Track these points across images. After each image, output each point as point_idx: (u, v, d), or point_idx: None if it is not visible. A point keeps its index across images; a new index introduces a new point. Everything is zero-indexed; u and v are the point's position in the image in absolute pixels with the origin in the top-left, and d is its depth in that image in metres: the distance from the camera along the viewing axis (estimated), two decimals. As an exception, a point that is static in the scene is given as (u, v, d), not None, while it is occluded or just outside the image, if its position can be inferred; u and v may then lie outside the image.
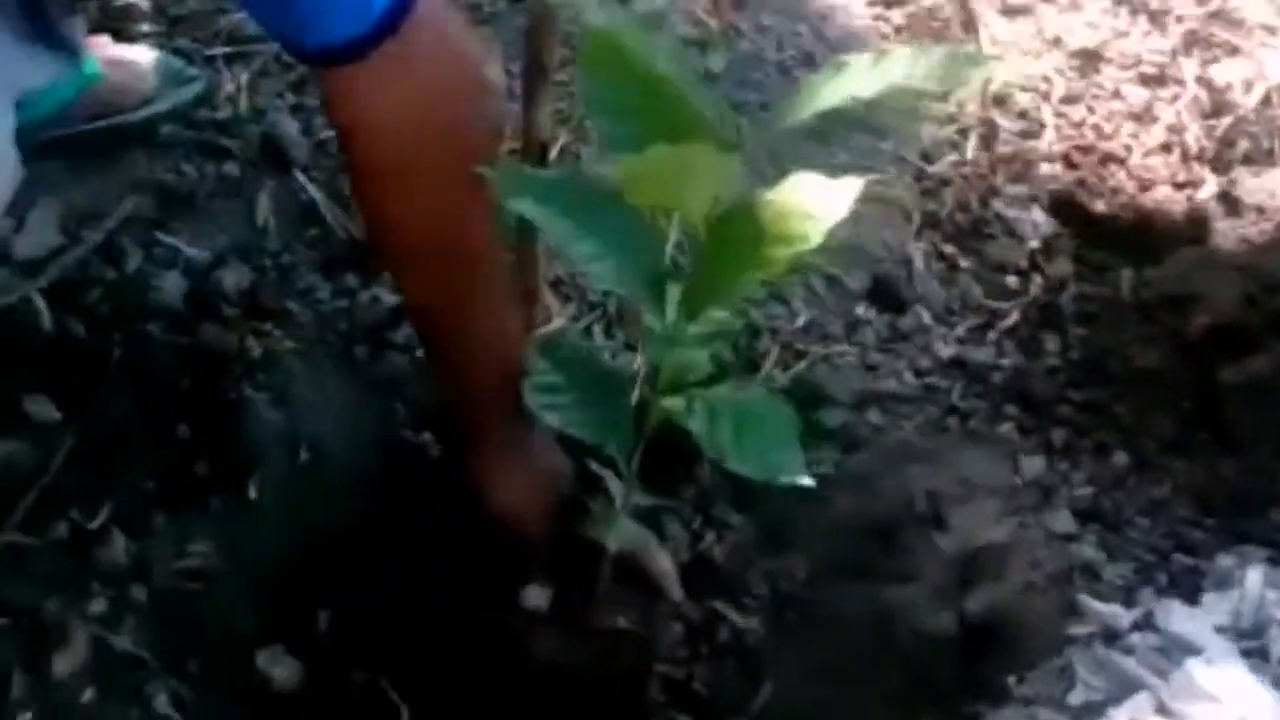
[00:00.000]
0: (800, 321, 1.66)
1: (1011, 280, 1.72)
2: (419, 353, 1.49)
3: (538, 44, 1.24)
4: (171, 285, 1.47)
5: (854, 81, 1.22)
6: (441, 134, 1.15)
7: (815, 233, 1.12)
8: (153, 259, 1.50)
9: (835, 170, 1.72)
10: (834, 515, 1.52)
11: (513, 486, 1.35)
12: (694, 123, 1.16)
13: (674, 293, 1.20)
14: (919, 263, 1.72)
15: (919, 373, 1.63)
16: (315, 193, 1.61)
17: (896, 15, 2.00)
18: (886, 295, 1.69)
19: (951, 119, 1.86)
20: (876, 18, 1.99)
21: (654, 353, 1.24)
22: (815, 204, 1.14)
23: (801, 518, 1.51)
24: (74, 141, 1.52)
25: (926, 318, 1.68)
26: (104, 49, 1.58)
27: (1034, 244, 1.75)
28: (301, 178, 1.62)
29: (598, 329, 1.60)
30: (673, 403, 1.22)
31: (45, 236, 1.48)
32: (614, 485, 1.33)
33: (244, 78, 1.68)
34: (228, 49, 1.71)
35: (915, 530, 1.49)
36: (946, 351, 1.65)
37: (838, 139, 1.75)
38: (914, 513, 1.50)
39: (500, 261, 1.31)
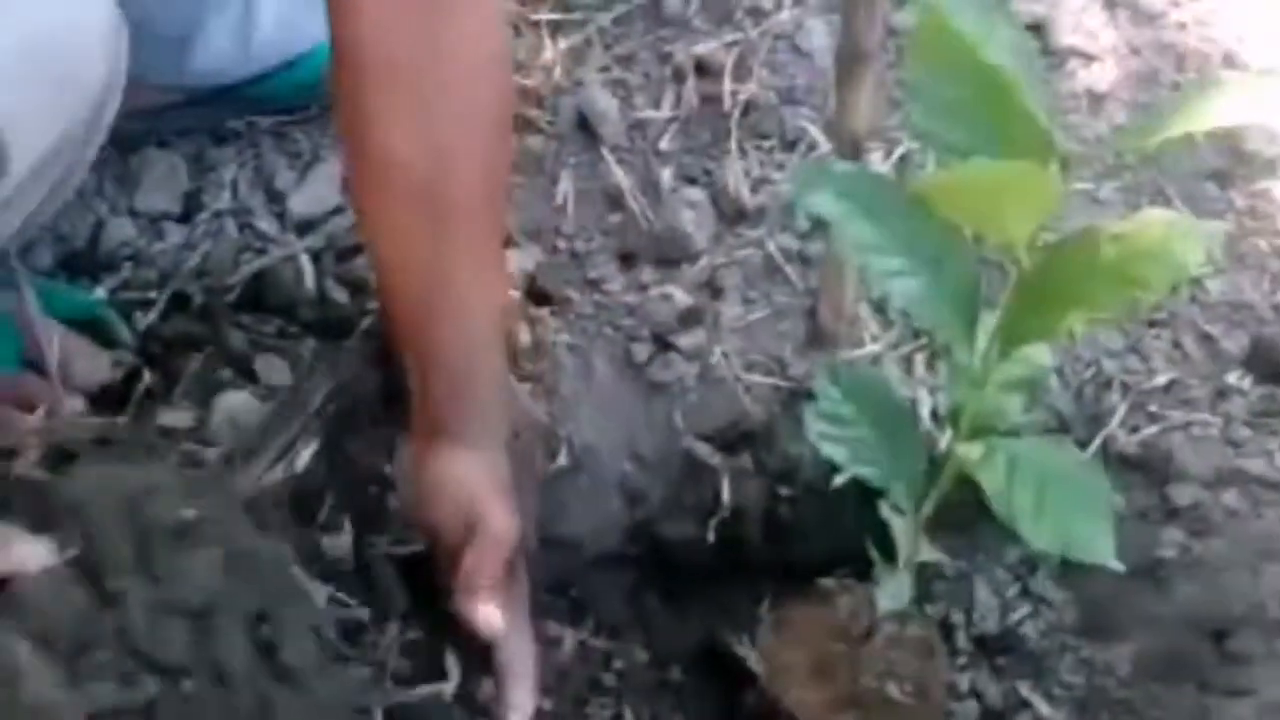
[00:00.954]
0: (1160, 380, 1.49)
1: None
2: (710, 359, 1.40)
3: (856, 20, 1.12)
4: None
5: (1214, 105, 1.03)
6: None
7: (1163, 280, 0.99)
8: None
9: (1229, 213, 1.60)
10: (1170, 606, 1.37)
11: (450, 498, 1.24)
12: (1025, 133, 1.01)
13: (987, 325, 1.06)
14: (1313, 332, 1.51)
15: (1291, 457, 1.43)
16: (623, 177, 1.55)
17: (1332, 46, 1.77)
18: (1267, 364, 1.50)
19: (1380, 158, 1.64)
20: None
21: (958, 391, 1.13)
22: (1169, 247, 1.00)
23: (1132, 604, 1.37)
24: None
25: (1311, 395, 1.47)
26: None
27: None
28: (610, 159, 1.55)
29: (920, 360, 1.46)
30: (969, 450, 1.08)
31: (323, 195, 1.46)
32: (901, 535, 1.20)
33: (564, 46, 1.61)
34: (553, 15, 1.66)
35: (1260, 637, 1.33)
36: (1328, 436, 1.44)
37: (1238, 181, 1.61)
38: (1263, 617, 1.34)
39: (501, 216, 1.27)
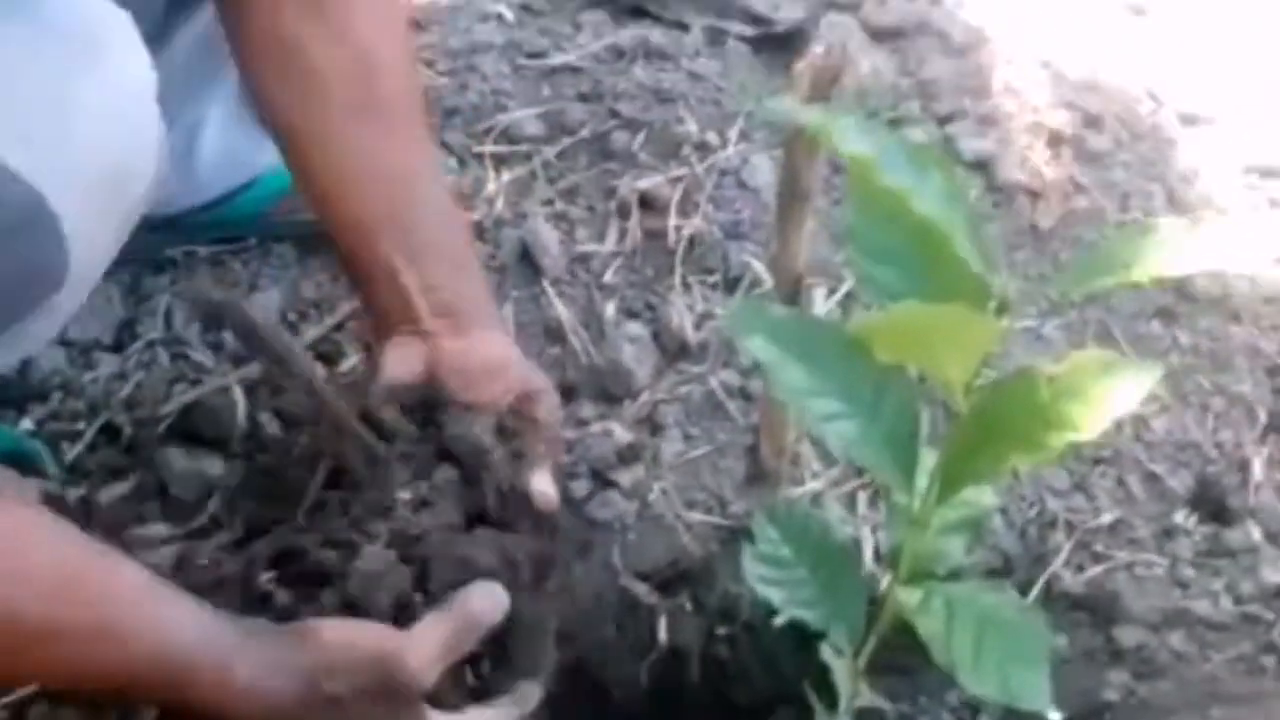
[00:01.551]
0: (1105, 519, 1.49)
1: (1368, 504, 1.48)
2: (649, 497, 1.38)
3: (796, 163, 1.11)
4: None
5: (1160, 252, 1.03)
6: None
7: (1100, 421, 0.98)
8: (370, 360, 1.43)
9: (1174, 352, 1.60)
10: (1119, 749, 1.36)
11: (501, 376, 1.26)
12: (960, 279, 1.00)
13: (928, 467, 1.05)
14: (1258, 471, 1.52)
15: (1239, 599, 1.43)
16: (564, 310, 1.54)
17: (1273, 188, 1.79)
18: (1213, 504, 1.49)
19: (1323, 311, 1.64)
20: (1251, 188, 1.80)
21: (897, 533, 1.11)
22: (1105, 388, 0.99)
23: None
24: (306, 229, 1.47)
25: (1257, 535, 1.47)
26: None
27: (1403, 467, 1.51)
28: (552, 292, 1.55)
29: (863, 497, 1.45)
30: (908, 594, 1.07)
31: (261, 326, 1.44)
32: (841, 678, 1.17)
33: (507, 178, 1.61)
34: (497, 148, 1.66)
35: (1208, 782, 1.31)
36: (1275, 578, 1.44)
37: (1184, 319, 1.61)
38: (1210, 761, 1.32)
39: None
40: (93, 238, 1.10)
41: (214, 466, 1.36)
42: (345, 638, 1.11)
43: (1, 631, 1.00)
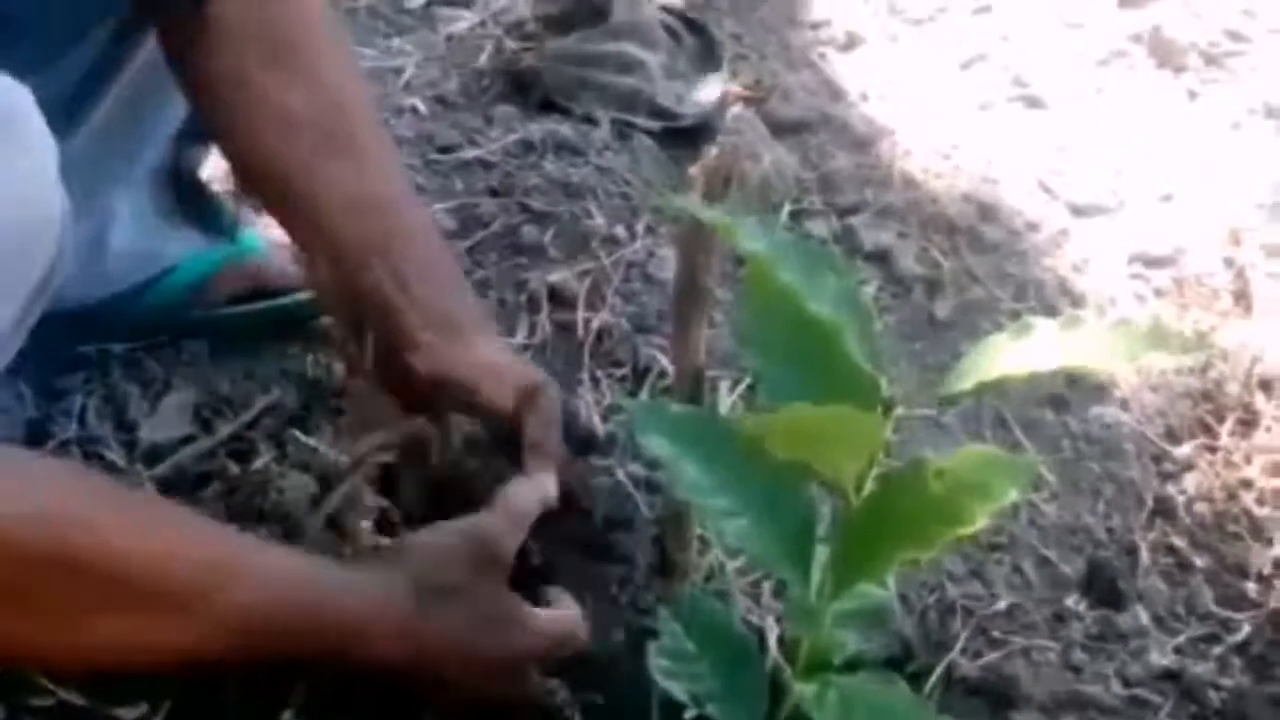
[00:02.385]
0: (1001, 605, 1.51)
1: (1250, 588, 1.54)
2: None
3: (693, 262, 1.16)
4: (297, 489, 1.41)
5: (1039, 349, 1.08)
6: None
7: (985, 513, 1.03)
8: (284, 458, 1.45)
9: (1065, 439, 1.65)
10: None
11: (505, 378, 1.33)
12: (848, 377, 1.05)
13: (823, 560, 1.09)
14: (1145, 556, 1.56)
15: (1127, 681, 1.46)
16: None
17: (1160, 277, 1.86)
18: (1103, 588, 1.53)
19: (1206, 396, 1.70)
20: (1135, 276, 1.86)
21: (794, 627, 1.14)
22: (988, 481, 1.04)
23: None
24: (221, 324, 1.50)
25: (1145, 619, 1.51)
26: (271, 229, 1.57)
27: (1283, 550, 1.56)
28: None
29: (768, 588, 1.48)
30: (804, 688, 1.10)
31: (175, 423, 1.48)
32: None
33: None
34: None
35: None
36: (1163, 661, 1.47)
37: (1074, 407, 1.67)
38: (1104, 847, 1.35)
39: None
40: None
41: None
42: (431, 536, 1.22)
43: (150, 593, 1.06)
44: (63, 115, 1.12)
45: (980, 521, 1.01)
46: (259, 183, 1.36)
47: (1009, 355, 1.09)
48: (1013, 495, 1.02)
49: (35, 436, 1.49)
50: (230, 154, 1.39)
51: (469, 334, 1.33)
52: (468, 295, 1.39)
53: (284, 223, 1.36)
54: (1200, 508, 1.60)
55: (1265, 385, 1.72)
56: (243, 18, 1.31)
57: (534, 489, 1.27)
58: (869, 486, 1.06)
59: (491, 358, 1.33)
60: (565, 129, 1.90)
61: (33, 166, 1.08)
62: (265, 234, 1.62)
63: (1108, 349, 1.09)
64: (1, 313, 1.10)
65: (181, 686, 1.27)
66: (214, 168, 1.65)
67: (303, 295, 1.55)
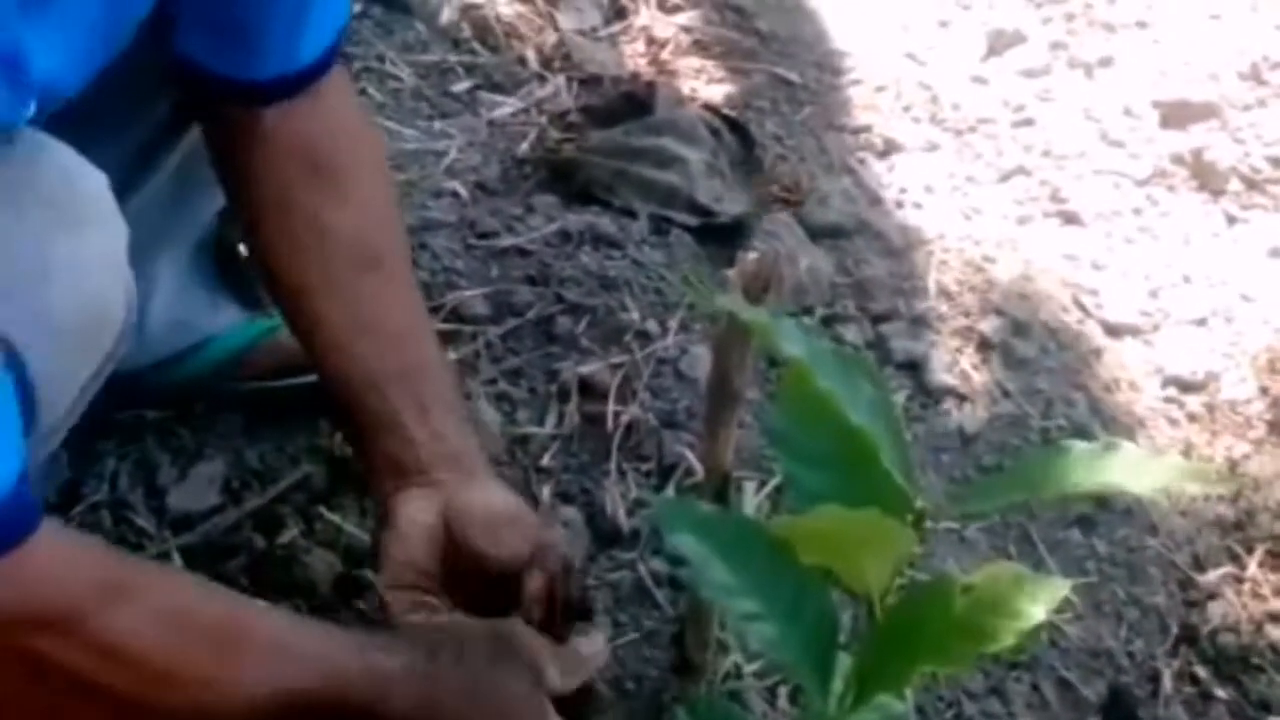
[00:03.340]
0: (1019, 725, 1.52)
1: (1273, 721, 1.54)
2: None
3: (727, 363, 1.18)
4: (322, 565, 1.44)
5: (1071, 472, 1.10)
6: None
7: (1010, 633, 1.04)
8: (311, 534, 1.48)
9: (1090, 560, 1.66)
10: None
11: (517, 528, 1.35)
12: (883, 487, 1.07)
13: (845, 669, 1.10)
14: (1167, 684, 1.57)
15: (1144, 811, 1.47)
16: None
17: (1193, 402, 1.88)
18: (1123, 714, 1.56)
19: (1236, 526, 1.71)
20: (1169, 400, 1.88)
21: None
22: (1015, 601, 1.05)
23: None
24: (255, 397, 1.52)
25: (1165, 748, 1.52)
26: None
27: (1307, 685, 1.57)
28: (492, 470, 1.58)
29: (784, 693, 1.49)
30: (819, 800, 1.11)
31: (203, 493, 1.49)
32: None
33: (452, 357, 1.67)
34: (445, 325, 1.72)
35: None
36: (1180, 792, 1.48)
37: (1101, 528, 1.68)
38: None
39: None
40: (61, 387, 1.13)
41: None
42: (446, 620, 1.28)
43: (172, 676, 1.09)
44: (115, 189, 1.15)
45: (1011, 642, 1.03)
46: (284, 292, 1.39)
47: (1040, 476, 1.11)
48: (1039, 616, 1.04)
49: (67, 498, 1.52)
50: (260, 259, 1.42)
51: (477, 474, 1.35)
52: (471, 430, 1.41)
53: (303, 338, 1.39)
54: (1225, 638, 1.62)
55: (1295, 517, 1.74)
56: (288, 130, 1.36)
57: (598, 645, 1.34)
58: (893, 597, 1.08)
59: (506, 505, 1.35)
60: (603, 221, 1.93)
61: (105, 249, 1.13)
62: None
63: (1140, 477, 1.11)
64: (67, 387, 1.14)
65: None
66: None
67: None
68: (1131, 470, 1.11)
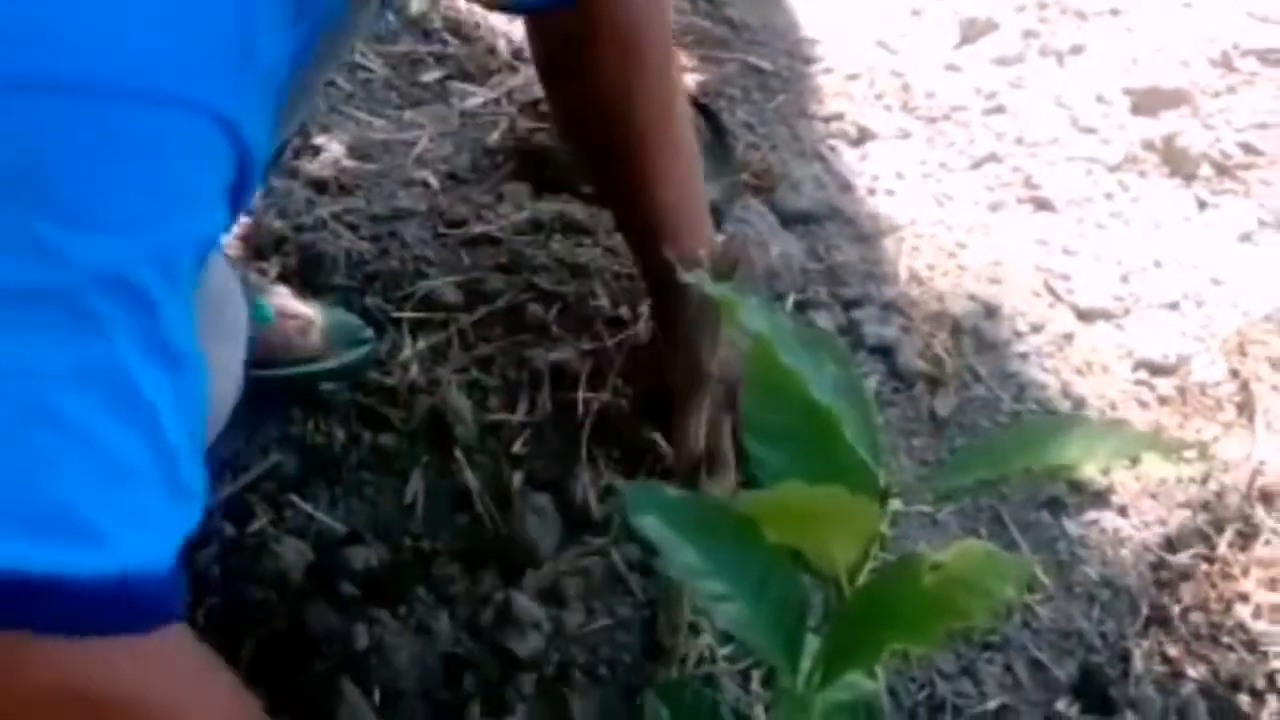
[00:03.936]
0: (991, 705, 1.54)
1: (1243, 701, 1.56)
2: (547, 670, 1.43)
3: (697, 346, 1.18)
4: (292, 554, 1.44)
5: (1039, 447, 1.11)
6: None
7: (981, 610, 1.04)
8: (281, 522, 1.48)
9: (1062, 542, 1.67)
10: None
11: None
12: (846, 464, 1.07)
13: (812, 650, 1.11)
14: (1138, 663, 1.57)
15: (1115, 789, 1.48)
16: (473, 478, 1.57)
17: (1163, 385, 1.88)
18: (1094, 693, 1.55)
19: (1206, 506, 1.72)
20: (1140, 383, 1.88)
21: (782, 715, 1.15)
22: (985, 578, 1.06)
23: None
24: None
25: (1135, 726, 1.52)
26: (278, 298, 1.60)
27: (1278, 664, 1.58)
28: (462, 459, 1.59)
29: (757, 676, 1.50)
30: (790, 779, 1.12)
31: (173, 482, 1.48)
32: None
33: (423, 344, 1.67)
34: (416, 314, 1.72)
35: None
36: (1152, 770, 1.49)
37: (1072, 510, 1.69)
38: None
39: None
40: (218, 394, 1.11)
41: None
42: None
43: None
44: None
45: (980, 619, 1.04)
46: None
47: (1008, 451, 1.12)
48: (1007, 594, 1.04)
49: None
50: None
51: None
52: None
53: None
54: (1196, 618, 1.62)
55: (1266, 498, 1.74)
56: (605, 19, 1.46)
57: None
58: (863, 577, 1.08)
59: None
60: (574, 209, 1.94)
61: (236, 346, 1.17)
62: (274, 304, 1.65)
63: (1106, 451, 1.12)
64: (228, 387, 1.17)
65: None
66: (228, 237, 1.69)
67: (307, 367, 1.58)
68: (1096, 443, 1.12)
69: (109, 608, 0.88)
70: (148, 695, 0.95)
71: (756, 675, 1.50)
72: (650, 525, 1.10)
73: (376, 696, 1.38)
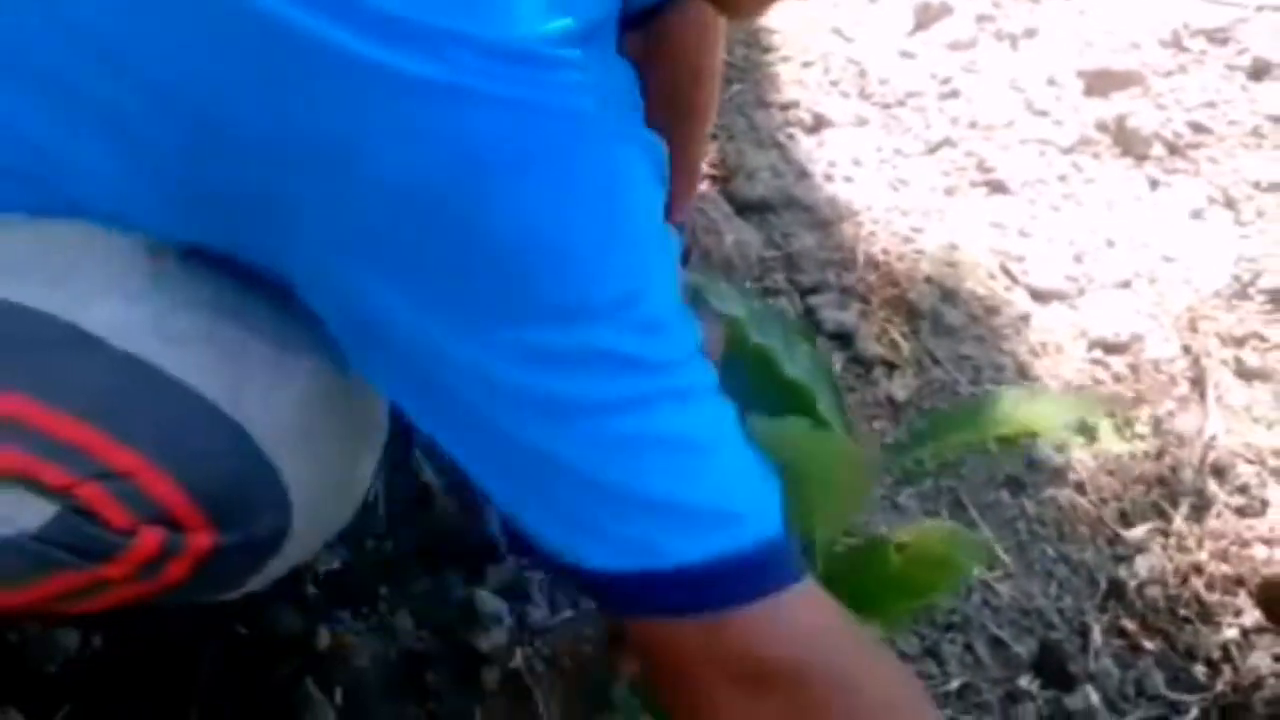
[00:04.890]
0: (954, 685, 1.56)
1: (1199, 670, 1.58)
2: (511, 664, 1.44)
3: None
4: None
5: (995, 417, 1.13)
6: None
7: (946, 588, 1.06)
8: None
9: (1021, 521, 1.69)
10: None
11: None
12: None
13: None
14: (1097, 637, 1.60)
15: (1077, 760, 1.49)
16: (433, 475, 1.57)
17: (1118, 363, 1.90)
18: (1055, 669, 1.58)
19: (1160, 481, 1.74)
20: (1094, 361, 1.91)
21: None
22: (947, 556, 1.08)
23: None
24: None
25: (1095, 699, 1.55)
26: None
27: (1232, 634, 1.61)
28: (421, 457, 1.59)
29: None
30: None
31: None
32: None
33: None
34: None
35: None
36: (1112, 742, 1.51)
37: (1030, 489, 1.71)
38: None
39: None
40: (314, 492, 1.08)
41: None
42: None
43: None
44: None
45: (945, 597, 1.05)
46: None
47: (965, 422, 1.13)
48: (972, 570, 1.06)
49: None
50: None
51: None
52: None
53: None
54: (1152, 591, 1.64)
55: (1218, 471, 1.77)
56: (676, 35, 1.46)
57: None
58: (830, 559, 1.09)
59: None
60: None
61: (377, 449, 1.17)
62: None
63: (1062, 418, 1.14)
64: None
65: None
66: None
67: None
68: (1050, 411, 1.14)
69: (759, 574, 0.97)
70: (808, 656, 0.99)
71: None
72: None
73: (340, 697, 1.39)
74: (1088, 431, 1.70)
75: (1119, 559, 1.67)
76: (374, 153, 0.87)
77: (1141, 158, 2.24)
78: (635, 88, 1.05)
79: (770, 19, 2.49)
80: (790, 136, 2.25)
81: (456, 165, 0.87)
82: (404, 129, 0.86)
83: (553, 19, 0.89)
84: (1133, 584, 1.64)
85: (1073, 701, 1.54)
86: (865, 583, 1.09)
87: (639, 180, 0.97)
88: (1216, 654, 1.59)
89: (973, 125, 2.29)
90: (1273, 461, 1.79)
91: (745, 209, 2.02)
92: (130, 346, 0.99)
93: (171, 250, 1.01)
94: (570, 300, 0.92)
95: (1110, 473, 1.74)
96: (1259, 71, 2.37)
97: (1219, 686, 1.57)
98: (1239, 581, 1.66)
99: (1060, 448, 1.73)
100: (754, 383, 1.12)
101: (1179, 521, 1.71)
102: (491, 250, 0.90)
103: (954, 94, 2.36)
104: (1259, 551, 1.69)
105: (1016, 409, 1.16)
